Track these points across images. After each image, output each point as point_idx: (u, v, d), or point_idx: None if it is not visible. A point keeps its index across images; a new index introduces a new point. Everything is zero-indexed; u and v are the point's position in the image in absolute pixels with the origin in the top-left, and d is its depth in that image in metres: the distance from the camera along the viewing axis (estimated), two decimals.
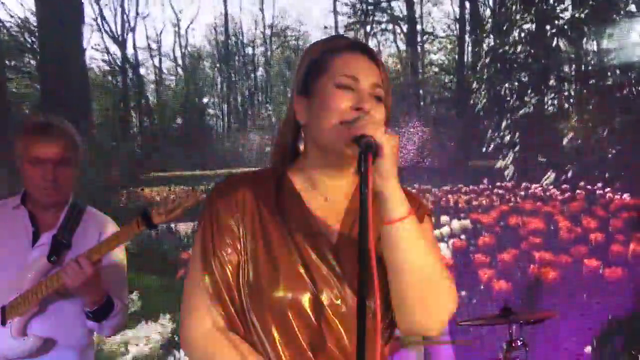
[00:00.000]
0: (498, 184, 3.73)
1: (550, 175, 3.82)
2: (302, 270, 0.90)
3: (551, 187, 3.74)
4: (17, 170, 1.54)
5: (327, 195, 0.96)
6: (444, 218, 3.61)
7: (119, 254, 1.57)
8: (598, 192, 3.70)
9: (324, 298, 0.90)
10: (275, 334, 0.89)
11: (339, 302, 0.90)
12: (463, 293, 3.33)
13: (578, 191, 3.68)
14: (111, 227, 1.57)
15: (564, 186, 3.71)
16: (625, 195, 3.64)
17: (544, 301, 3.29)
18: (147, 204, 3.61)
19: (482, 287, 3.30)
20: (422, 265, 0.89)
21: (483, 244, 3.44)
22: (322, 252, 0.92)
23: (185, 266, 3.38)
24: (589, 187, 3.69)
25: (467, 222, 3.59)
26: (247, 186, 0.94)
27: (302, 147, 0.97)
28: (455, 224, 3.59)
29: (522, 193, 3.71)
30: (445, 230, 3.57)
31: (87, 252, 1.42)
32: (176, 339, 3.13)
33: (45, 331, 1.48)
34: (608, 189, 3.68)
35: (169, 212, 1.37)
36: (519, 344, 1.93)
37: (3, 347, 1.46)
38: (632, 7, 3.75)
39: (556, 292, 3.30)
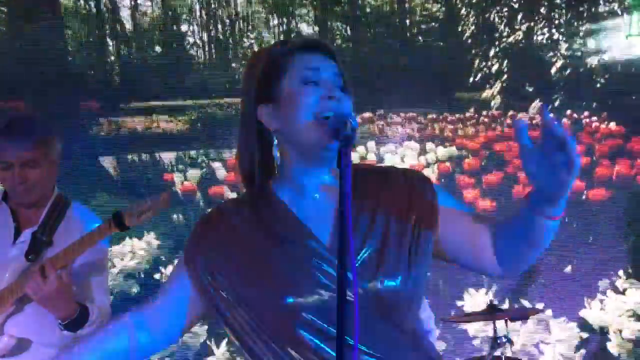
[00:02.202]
0: (484, 112, 3.69)
1: (537, 104, 3.79)
2: (295, 277, 0.88)
3: (537, 116, 3.71)
4: None
5: (315, 195, 0.95)
6: (430, 145, 3.58)
7: (98, 253, 1.50)
8: (584, 120, 3.68)
9: (321, 300, 0.87)
10: (286, 346, 0.88)
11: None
12: None
13: (564, 120, 3.66)
14: (96, 224, 1.51)
15: (550, 115, 3.69)
16: (612, 124, 3.63)
17: None
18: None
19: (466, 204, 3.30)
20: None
21: (468, 166, 3.42)
22: (314, 256, 0.90)
23: (170, 188, 3.34)
24: (575, 115, 3.68)
25: (452, 149, 3.56)
26: (217, 220, 0.95)
27: (276, 154, 0.95)
28: (441, 150, 3.56)
29: (509, 121, 3.68)
30: (430, 156, 3.54)
31: (52, 258, 1.36)
32: (162, 257, 3.11)
33: (22, 331, 1.44)
34: (594, 117, 3.66)
35: (140, 214, 1.35)
36: (503, 340, 1.93)
37: None
38: None
39: None
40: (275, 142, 0.94)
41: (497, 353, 1.96)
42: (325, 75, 0.92)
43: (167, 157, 3.48)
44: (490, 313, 1.98)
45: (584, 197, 3.37)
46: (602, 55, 3.67)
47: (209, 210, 1.01)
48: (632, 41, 3.63)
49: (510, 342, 1.94)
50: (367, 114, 3.66)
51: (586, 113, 3.69)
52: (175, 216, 3.30)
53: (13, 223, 1.50)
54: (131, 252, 3.05)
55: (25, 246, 1.47)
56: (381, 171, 1.00)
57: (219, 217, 0.95)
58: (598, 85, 3.73)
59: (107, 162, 3.45)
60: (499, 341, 1.92)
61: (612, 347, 2.97)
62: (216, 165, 3.46)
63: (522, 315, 2.04)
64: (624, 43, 3.63)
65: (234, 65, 3.78)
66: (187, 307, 0.95)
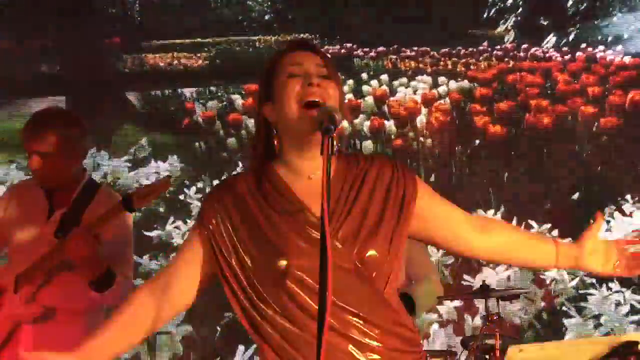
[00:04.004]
0: (497, 47, 3.72)
1: (552, 39, 3.80)
2: (289, 241, 1.00)
3: (552, 49, 3.73)
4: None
5: (310, 175, 1.06)
6: (442, 79, 3.64)
7: (123, 230, 1.67)
8: (599, 54, 3.68)
9: (302, 269, 0.98)
10: (274, 303, 0.99)
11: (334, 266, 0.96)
12: (458, 148, 3.43)
13: (578, 53, 3.67)
14: None
15: (565, 49, 3.70)
16: (627, 58, 3.63)
17: (538, 150, 3.38)
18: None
19: (477, 131, 3.38)
20: None
21: (480, 95, 3.49)
22: (302, 226, 1.02)
23: (190, 116, 3.51)
24: (590, 49, 3.68)
25: (464, 83, 3.62)
26: (228, 187, 1.09)
27: (277, 143, 1.10)
28: (453, 84, 3.62)
29: (522, 54, 3.71)
30: (442, 89, 3.61)
31: (87, 225, 1.53)
32: (185, 181, 3.30)
33: (50, 300, 1.62)
34: (609, 51, 3.66)
35: (144, 196, 1.50)
36: (495, 318, 2.02)
37: (15, 313, 1.63)
38: None
39: (549, 140, 3.38)
40: (275, 132, 1.08)
41: (489, 331, 2.03)
42: (307, 67, 1.06)
43: (188, 92, 3.63)
44: (482, 292, 2.08)
45: (595, 125, 3.42)
46: None
47: (219, 182, 1.16)
48: None
49: (502, 319, 2.04)
50: (380, 48, 3.74)
51: (601, 47, 3.69)
52: (197, 144, 3.48)
53: (47, 203, 1.67)
54: (156, 173, 3.24)
55: (56, 225, 1.63)
56: (369, 156, 1.13)
57: (227, 187, 1.08)
58: (615, 18, 3.71)
59: (132, 96, 3.63)
60: (490, 319, 2.01)
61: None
62: (235, 97, 3.60)
63: (513, 295, 2.16)
64: None
65: (249, 3, 3.87)
66: (200, 267, 1.07)
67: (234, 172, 3.25)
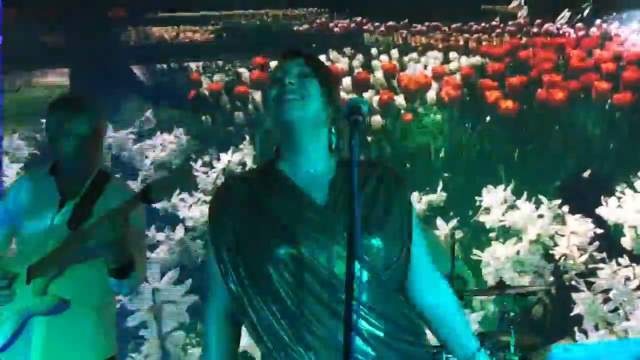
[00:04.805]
0: (510, 22, 3.67)
1: (565, 15, 3.74)
2: (290, 229, 1.04)
3: (565, 25, 3.68)
4: (47, 143, 1.71)
5: (311, 171, 1.11)
6: (453, 54, 3.60)
7: (140, 221, 1.68)
8: (613, 31, 3.63)
9: (307, 258, 1.02)
10: (280, 290, 1.02)
11: (322, 261, 1.02)
12: (469, 125, 3.40)
13: (593, 29, 3.62)
14: (133, 197, 1.65)
15: (579, 25, 3.65)
16: None
17: (549, 125, 3.35)
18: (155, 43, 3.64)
19: (488, 106, 3.36)
20: None
21: (492, 70, 3.45)
22: (305, 215, 1.05)
23: (196, 88, 3.49)
24: (604, 26, 3.63)
25: (476, 59, 3.58)
26: (234, 187, 1.14)
27: (275, 144, 1.16)
28: (464, 60, 3.58)
29: (535, 30, 3.66)
30: (454, 65, 3.57)
31: (116, 209, 1.52)
32: (192, 154, 3.29)
33: (64, 292, 1.62)
34: (624, 27, 3.61)
35: (163, 190, 1.52)
36: (511, 315, 2.01)
37: (27, 305, 1.62)
38: None
39: (561, 116, 3.35)
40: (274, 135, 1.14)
41: (506, 327, 2.02)
42: (286, 70, 1.12)
43: (194, 65, 3.60)
44: (499, 289, 2.07)
45: (608, 102, 3.38)
46: None
47: (223, 181, 1.23)
48: None
49: (518, 317, 2.03)
50: (390, 23, 3.69)
51: (616, 23, 3.63)
52: (203, 117, 3.46)
53: (58, 194, 1.67)
54: (161, 145, 3.23)
55: (68, 216, 1.64)
56: (373, 161, 1.23)
57: (231, 185, 1.15)
58: None
59: (137, 69, 3.61)
60: (506, 316, 2.01)
61: (626, 242, 3.06)
62: (241, 70, 3.57)
63: (528, 292, 2.14)
64: None
65: None
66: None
67: (239, 148, 3.35)
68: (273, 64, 3.54)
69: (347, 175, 0.91)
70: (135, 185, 3.15)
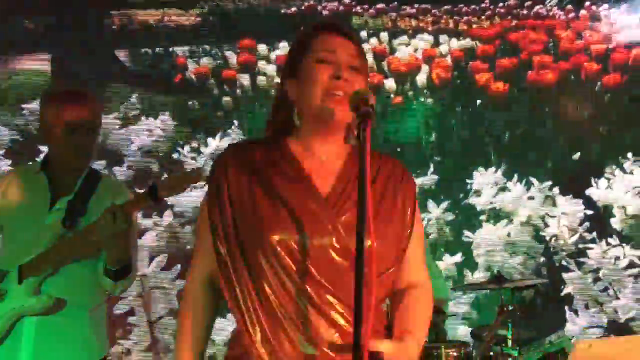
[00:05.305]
0: (500, 4, 3.66)
1: None
2: (289, 215, 1.01)
3: (555, 7, 3.67)
4: (43, 136, 1.64)
5: (322, 157, 1.08)
6: (443, 37, 3.58)
7: (135, 223, 1.66)
8: (603, 12, 3.64)
9: (313, 243, 1.00)
10: (266, 273, 1.00)
11: (328, 247, 1.00)
12: (459, 108, 3.39)
13: (582, 11, 3.62)
14: (125, 195, 1.64)
15: (568, 7, 3.65)
16: (632, 17, 3.58)
17: (540, 107, 3.35)
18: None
19: (478, 89, 3.35)
20: None
21: (482, 52, 3.44)
22: (310, 202, 1.02)
23: (182, 72, 3.43)
24: (594, 8, 3.63)
25: (466, 42, 3.56)
26: (240, 152, 1.10)
27: (296, 121, 1.09)
28: (455, 43, 3.57)
29: (525, 12, 3.65)
30: (444, 48, 3.55)
31: (121, 204, 1.49)
32: (179, 140, 3.24)
33: (58, 291, 1.58)
34: (614, 9, 3.62)
35: (170, 188, 1.47)
36: (510, 308, 2.01)
37: (21, 304, 1.57)
38: None
39: (551, 98, 3.36)
40: (295, 110, 1.09)
41: (504, 321, 2.04)
42: (339, 56, 1.05)
43: (180, 50, 3.54)
44: (497, 282, 2.07)
45: (598, 84, 3.39)
46: None
47: (229, 145, 1.16)
48: None
49: (516, 310, 2.04)
50: (380, 5, 3.66)
51: (605, 5, 3.64)
52: (190, 103, 3.41)
53: (49, 191, 1.62)
54: (148, 131, 3.18)
55: (61, 213, 1.59)
56: (383, 155, 1.14)
57: (238, 151, 1.10)
58: None
59: (121, 53, 3.54)
60: (505, 309, 2.01)
61: (615, 222, 3.10)
62: (229, 54, 3.52)
63: (527, 286, 2.15)
64: None
65: None
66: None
67: (227, 133, 3.31)
68: (261, 47, 3.52)
69: (359, 167, 0.88)
70: (121, 171, 3.15)
